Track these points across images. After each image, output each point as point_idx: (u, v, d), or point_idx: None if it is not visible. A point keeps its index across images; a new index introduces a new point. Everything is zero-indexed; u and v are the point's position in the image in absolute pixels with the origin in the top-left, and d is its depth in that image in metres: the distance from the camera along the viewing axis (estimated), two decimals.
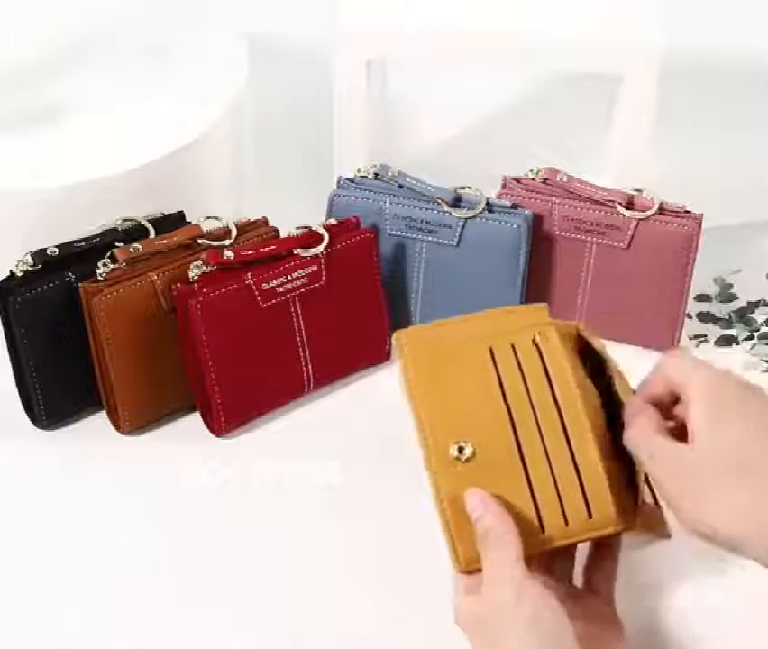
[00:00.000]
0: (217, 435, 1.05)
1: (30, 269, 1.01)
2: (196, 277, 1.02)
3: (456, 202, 1.11)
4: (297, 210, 1.12)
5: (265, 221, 1.10)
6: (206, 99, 1.20)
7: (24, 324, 1.01)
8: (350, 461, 1.01)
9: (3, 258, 1.01)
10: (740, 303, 1.22)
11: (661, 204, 1.10)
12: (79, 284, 1.01)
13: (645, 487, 0.83)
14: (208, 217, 1.08)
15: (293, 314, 1.06)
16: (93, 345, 1.03)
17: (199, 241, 1.06)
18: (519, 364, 0.82)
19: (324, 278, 1.06)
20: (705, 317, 1.20)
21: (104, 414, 1.06)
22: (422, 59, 1.33)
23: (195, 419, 1.06)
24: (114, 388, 1.03)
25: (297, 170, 1.38)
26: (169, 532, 0.97)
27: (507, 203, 1.11)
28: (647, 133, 1.21)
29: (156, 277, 1.02)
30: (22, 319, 1.01)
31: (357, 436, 1.04)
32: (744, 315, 1.21)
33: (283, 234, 1.08)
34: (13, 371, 1.04)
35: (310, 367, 1.08)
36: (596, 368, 0.86)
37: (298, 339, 1.06)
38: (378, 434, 1.02)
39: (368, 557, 0.94)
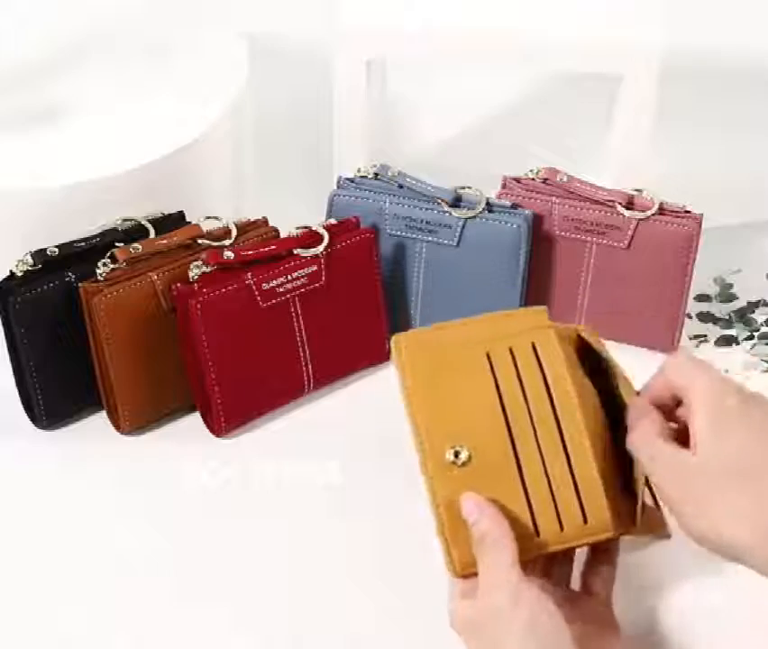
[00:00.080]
0: (217, 435, 1.05)
1: (30, 269, 1.01)
2: (196, 277, 1.02)
3: (456, 202, 1.11)
4: (297, 210, 1.12)
5: (265, 221, 1.11)
6: (206, 99, 1.20)
7: (24, 324, 1.01)
8: (350, 461, 1.01)
9: (3, 258, 1.01)
10: (740, 303, 1.22)
11: (661, 204, 1.10)
12: (79, 284, 1.01)
13: (645, 488, 0.83)
14: (208, 217, 1.08)
15: (293, 314, 1.06)
16: (93, 345, 1.03)
17: (199, 241, 1.06)
18: (517, 369, 0.82)
19: (324, 278, 1.06)
20: (705, 317, 1.21)
21: (104, 414, 1.06)
22: (422, 59, 1.33)
23: (195, 419, 1.06)
24: (114, 388, 1.03)
25: (297, 170, 1.38)
26: (169, 532, 0.97)
27: (507, 203, 1.11)
28: (647, 133, 1.21)
29: (156, 277, 1.02)
30: (22, 319, 1.01)
31: (357, 436, 1.04)
32: (744, 315, 1.21)
33: (283, 234, 1.08)
34: (13, 371, 1.04)
35: (310, 367, 1.08)
36: (595, 367, 0.86)
37: (298, 339, 1.06)
38: (378, 434, 1.02)
39: (367, 557, 0.94)
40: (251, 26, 1.35)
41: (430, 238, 1.12)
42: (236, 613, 0.90)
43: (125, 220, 1.07)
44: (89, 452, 1.04)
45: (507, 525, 0.78)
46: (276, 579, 0.93)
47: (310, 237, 1.06)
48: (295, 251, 1.05)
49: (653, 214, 1.10)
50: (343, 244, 1.07)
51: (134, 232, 1.06)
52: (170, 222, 1.09)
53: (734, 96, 1.48)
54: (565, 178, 1.12)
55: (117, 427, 1.05)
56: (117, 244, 1.03)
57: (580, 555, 0.85)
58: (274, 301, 1.04)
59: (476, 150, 1.45)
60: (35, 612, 0.90)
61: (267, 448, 1.05)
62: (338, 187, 1.14)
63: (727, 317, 1.21)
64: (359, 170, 1.14)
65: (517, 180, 1.14)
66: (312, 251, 1.05)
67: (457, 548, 0.79)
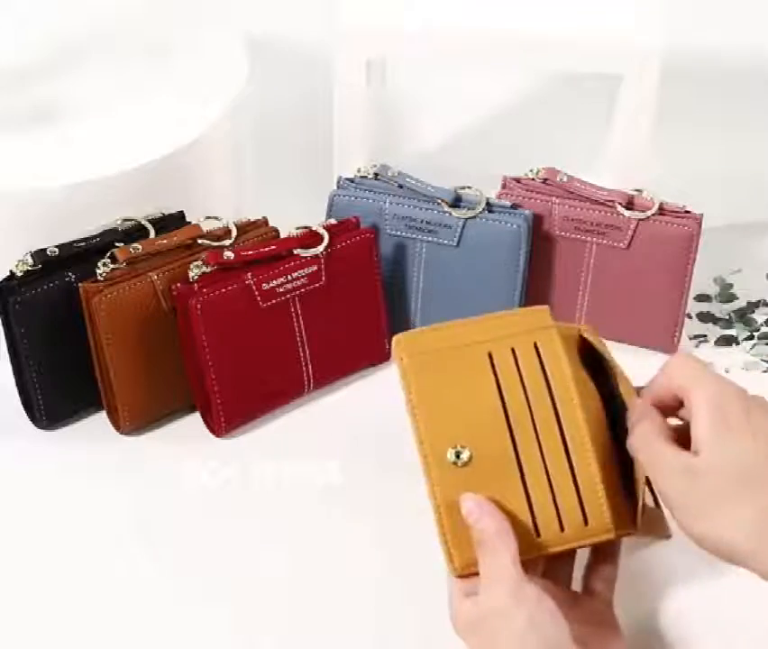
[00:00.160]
0: (217, 435, 1.05)
1: (30, 269, 1.01)
2: (196, 277, 1.02)
3: (456, 202, 1.11)
4: (297, 210, 1.12)
5: (265, 221, 1.10)
6: (206, 99, 1.20)
7: (24, 324, 1.01)
8: (350, 461, 1.01)
9: (3, 258, 1.01)
10: (740, 303, 1.22)
11: (661, 204, 1.10)
12: (79, 284, 1.01)
13: (646, 488, 0.83)
14: (208, 217, 1.08)
15: (293, 314, 1.06)
16: (93, 345, 1.02)
17: (199, 241, 1.06)
18: (519, 369, 0.82)
19: (324, 279, 1.06)
20: (705, 317, 1.20)
21: (104, 414, 1.06)
22: (422, 59, 1.33)
23: (195, 419, 1.06)
24: (114, 388, 1.03)
25: (297, 170, 1.38)
26: (169, 532, 0.97)
27: (507, 203, 1.11)
28: (647, 133, 1.21)
29: (156, 277, 1.02)
30: (22, 319, 1.01)
31: (357, 436, 1.04)
32: (744, 315, 1.21)
33: (283, 234, 1.08)
34: (13, 371, 1.04)
35: (310, 367, 1.08)
36: (597, 368, 0.86)
37: (298, 339, 1.06)
38: (378, 434, 1.02)
39: (367, 557, 0.94)
40: (251, 26, 1.35)
41: (430, 238, 1.12)
42: (236, 613, 0.90)
43: (125, 220, 1.07)
44: (89, 452, 1.04)
45: (507, 525, 0.78)
46: (276, 579, 0.93)
47: (310, 237, 1.06)
48: (295, 251, 1.05)
49: (653, 214, 1.10)
50: (343, 244, 1.07)
51: (134, 232, 1.06)
52: (170, 222, 1.09)
53: (734, 96, 1.48)
54: (565, 178, 1.12)
55: (117, 427, 1.05)
56: (117, 244, 1.03)
57: (582, 556, 0.85)
58: (274, 301, 1.04)
59: (476, 150, 1.45)
60: (35, 612, 0.90)
61: (267, 448, 1.05)
62: (338, 187, 1.14)
63: (727, 317, 1.21)
64: (359, 170, 1.14)
65: (517, 180, 1.14)
66: (312, 251, 1.05)
67: (458, 548, 0.79)
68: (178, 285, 1.02)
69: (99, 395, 1.05)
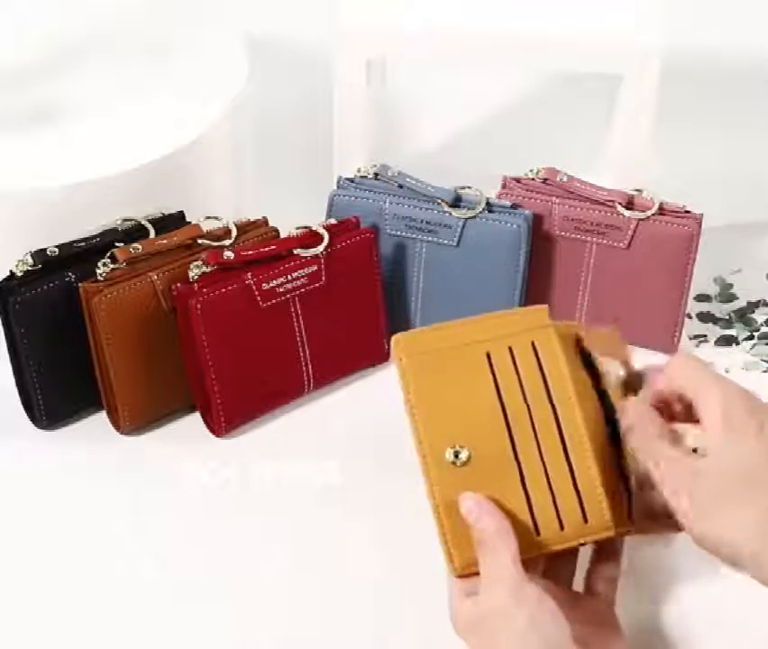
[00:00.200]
0: (217, 435, 1.05)
1: (30, 269, 1.01)
2: (196, 277, 1.02)
3: (456, 202, 1.11)
4: (297, 210, 1.12)
5: (265, 221, 1.10)
6: (206, 99, 1.20)
7: (24, 324, 1.01)
8: (350, 461, 1.02)
9: (3, 258, 1.01)
10: (740, 303, 1.22)
11: (661, 204, 1.10)
12: (79, 284, 1.01)
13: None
14: (208, 217, 1.08)
15: (293, 314, 1.06)
16: (93, 345, 1.02)
17: (199, 241, 1.06)
18: (516, 368, 0.82)
19: (324, 278, 1.06)
20: (705, 317, 1.20)
21: (104, 414, 1.06)
22: (422, 59, 1.33)
23: (195, 419, 1.06)
24: (114, 387, 1.03)
25: (297, 170, 1.38)
26: (169, 532, 0.97)
27: (507, 203, 1.11)
28: (647, 133, 1.21)
29: (156, 277, 1.02)
30: (22, 319, 1.01)
31: (357, 436, 1.04)
32: (744, 315, 1.21)
33: (283, 234, 1.08)
34: (13, 371, 1.04)
35: (310, 367, 1.08)
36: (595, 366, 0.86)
37: (298, 339, 1.06)
38: (378, 434, 1.02)
39: (367, 557, 0.94)
40: (251, 26, 1.35)
41: (430, 238, 1.12)
42: (236, 613, 0.90)
43: (125, 220, 1.07)
44: (89, 452, 1.04)
45: (507, 524, 0.78)
46: (276, 578, 0.93)
47: (310, 237, 1.06)
48: (295, 251, 1.05)
49: (653, 214, 1.10)
50: (343, 244, 1.07)
51: (134, 232, 1.06)
52: (170, 222, 1.09)
53: (734, 96, 1.48)
54: (565, 178, 1.12)
55: (117, 427, 1.05)
56: (117, 244, 1.03)
57: (584, 556, 0.84)
58: (274, 301, 1.04)
59: (476, 150, 1.45)
60: (35, 612, 0.90)
61: (267, 448, 1.05)
62: (338, 187, 1.14)
63: (727, 317, 1.21)
64: (359, 170, 1.14)
65: (517, 180, 1.14)
66: (312, 251, 1.05)
67: (457, 548, 0.79)
68: (178, 285, 1.02)
69: (99, 395, 1.05)
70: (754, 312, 1.21)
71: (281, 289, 1.04)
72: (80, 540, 0.96)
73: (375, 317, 1.11)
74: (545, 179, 1.13)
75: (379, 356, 1.12)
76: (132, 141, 1.14)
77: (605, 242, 1.11)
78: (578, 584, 0.85)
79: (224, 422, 1.04)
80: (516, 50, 1.20)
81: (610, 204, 1.10)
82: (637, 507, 0.81)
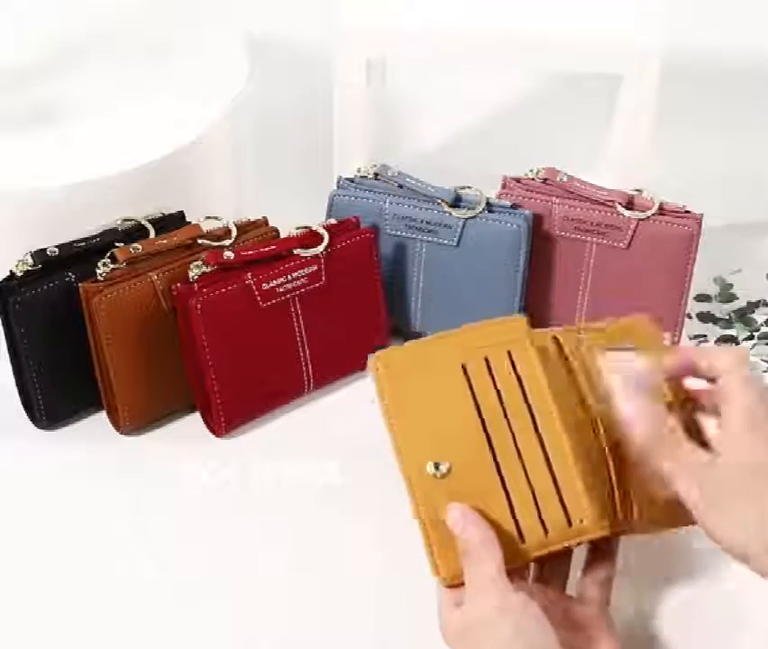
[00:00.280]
0: (217, 435, 1.05)
1: (30, 269, 1.01)
2: (196, 277, 1.02)
3: (456, 202, 1.11)
4: (297, 210, 1.12)
5: (265, 221, 1.11)
6: (206, 99, 1.20)
7: (24, 324, 1.01)
8: (350, 461, 1.02)
9: (3, 258, 1.01)
10: (740, 303, 1.22)
11: (661, 204, 1.10)
12: (79, 284, 1.01)
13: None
14: (208, 217, 1.08)
15: (293, 314, 1.06)
16: (93, 345, 1.02)
17: (199, 241, 1.06)
18: (493, 378, 0.83)
19: (324, 278, 1.06)
20: (705, 317, 1.21)
21: (104, 414, 1.06)
22: (422, 59, 1.33)
23: (195, 419, 1.06)
24: (114, 387, 1.03)
25: (297, 170, 1.38)
26: (168, 532, 0.97)
27: (507, 203, 1.11)
28: (647, 133, 1.21)
29: (156, 277, 1.02)
30: (22, 319, 1.01)
31: (357, 436, 1.04)
32: (744, 315, 1.21)
33: (283, 234, 1.08)
34: (13, 371, 1.04)
35: (310, 367, 1.08)
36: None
37: (298, 339, 1.06)
38: (377, 434, 1.02)
39: (367, 557, 0.94)
40: (251, 26, 1.35)
41: (430, 238, 1.12)
42: (236, 613, 0.90)
43: (125, 220, 1.07)
44: (89, 452, 1.04)
45: (491, 534, 0.78)
46: (276, 578, 0.93)
47: (310, 237, 1.06)
48: (295, 251, 1.05)
49: (653, 214, 1.10)
50: (343, 244, 1.07)
51: (134, 232, 1.06)
52: (170, 222, 1.09)
53: (734, 96, 1.48)
54: (565, 178, 1.12)
55: (117, 427, 1.05)
56: (117, 244, 1.03)
57: (580, 558, 0.85)
58: (274, 301, 1.04)
59: (476, 150, 1.45)
60: (35, 611, 0.90)
61: (267, 448, 1.05)
62: (338, 187, 1.14)
63: (727, 317, 1.21)
64: (359, 170, 1.14)
65: (517, 180, 1.14)
66: (312, 251, 1.06)
67: (443, 559, 0.79)
68: (178, 285, 1.02)
69: (99, 395, 1.05)
70: (754, 312, 1.21)
71: (281, 289, 1.04)
72: (80, 540, 0.96)
73: (375, 317, 1.11)
74: (545, 179, 1.13)
75: None
76: (132, 141, 1.14)
77: (605, 242, 1.11)
78: (573, 587, 0.85)
79: (223, 422, 1.04)
80: (516, 50, 1.20)
81: (610, 204, 1.10)
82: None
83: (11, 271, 1.01)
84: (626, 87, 1.19)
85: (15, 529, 0.98)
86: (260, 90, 1.29)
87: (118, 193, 1.09)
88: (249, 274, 1.03)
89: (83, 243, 1.04)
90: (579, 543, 0.81)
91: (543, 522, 0.80)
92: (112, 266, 1.01)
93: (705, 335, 1.18)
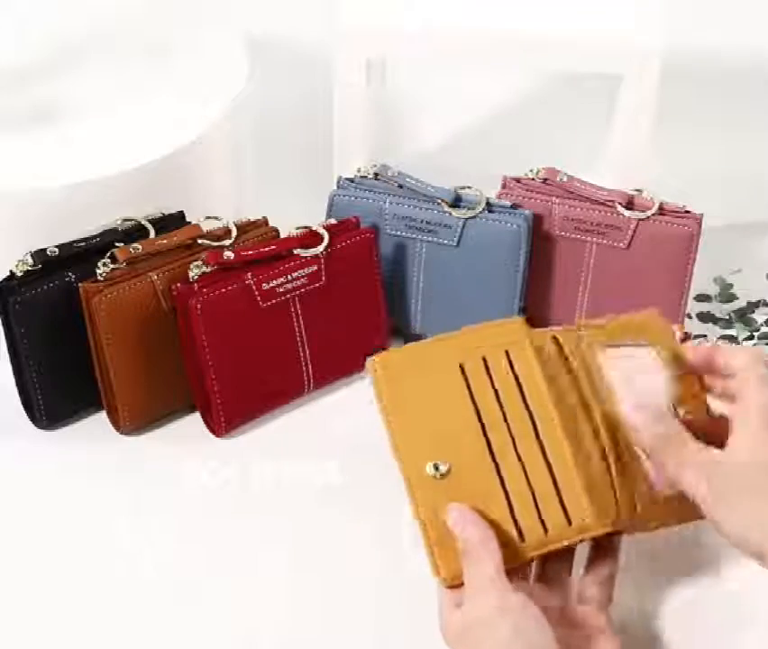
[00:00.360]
0: (217, 435, 1.05)
1: (30, 269, 1.01)
2: (196, 277, 1.02)
3: (456, 202, 1.11)
4: (297, 210, 1.12)
5: (265, 221, 1.11)
6: (206, 99, 1.20)
7: (24, 324, 1.01)
8: (350, 461, 1.01)
9: (3, 258, 1.01)
10: (740, 303, 1.22)
11: (661, 204, 1.10)
12: (79, 284, 1.01)
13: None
14: (208, 217, 1.08)
15: (293, 314, 1.06)
16: (93, 345, 1.02)
17: (199, 241, 1.06)
18: (491, 378, 0.83)
19: (324, 278, 1.06)
20: (705, 317, 1.20)
21: (104, 414, 1.06)
22: (422, 59, 1.33)
23: (195, 419, 1.06)
24: (114, 387, 1.03)
25: (297, 170, 1.38)
26: (168, 532, 0.97)
27: (507, 203, 1.11)
28: (647, 133, 1.21)
29: (156, 277, 1.02)
30: (22, 319, 1.01)
31: (357, 436, 1.04)
32: (744, 315, 1.21)
33: (283, 234, 1.08)
34: (13, 371, 1.04)
35: (310, 367, 1.08)
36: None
37: (298, 339, 1.06)
38: (378, 433, 1.02)
39: (367, 557, 0.94)
40: (251, 26, 1.35)
41: (430, 238, 1.12)
42: (236, 613, 0.90)
43: (125, 220, 1.07)
44: (89, 452, 1.04)
45: (491, 534, 0.78)
46: (275, 578, 0.93)
47: (310, 237, 1.06)
48: (295, 251, 1.05)
49: (653, 214, 1.10)
50: (343, 244, 1.07)
51: (134, 232, 1.06)
52: (170, 222, 1.09)
53: (734, 96, 1.48)
54: (565, 178, 1.12)
55: (117, 427, 1.05)
56: (117, 244, 1.03)
57: (582, 557, 0.85)
58: (274, 301, 1.04)
59: (476, 150, 1.45)
60: (35, 611, 0.90)
61: (267, 448, 1.05)
62: (338, 187, 1.14)
63: (727, 317, 1.21)
64: (359, 170, 1.14)
65: (517, 180, 1.14)
66: (312, 251, 1.06)
67: (444, 560, 0.79)
68: (178, 285, 1.02)
69: (99, 395, 1.05)
70: (754, 312, 1.21)
71: (281, 289, 1.04)
72: (80, 540, 0.96)
73: (375, 317, 1.11)
74: (545, 179, 1.13)
75: None
76: (132, 141, 1.14)
77: (605, 242, 1.11)
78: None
79: (223, 422, 1.04)
80: (516, 50, 1.20)
81: (610, 204, 1.10)
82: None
83: (11, 271, 1.01)
84: (626, 87, 1.19)
85: (15, 529, 0.98)
86: (260, 90, 1.29)
87: (118, 193, 1.09)
88: (249, 274, 1.03)
89: (83, 243, 1.04)
90: (580, 541, 0.81)
91: (542, 521, 0.80)
92: (112, 266, 1.01)
93: (705, 335, 1.18)
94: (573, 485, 0.80)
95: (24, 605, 0.91)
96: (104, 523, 0.97)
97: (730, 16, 1.50)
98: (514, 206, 1.11)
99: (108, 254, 1.02)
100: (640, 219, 1.10)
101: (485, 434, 0.82)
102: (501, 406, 0.82)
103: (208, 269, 1.02)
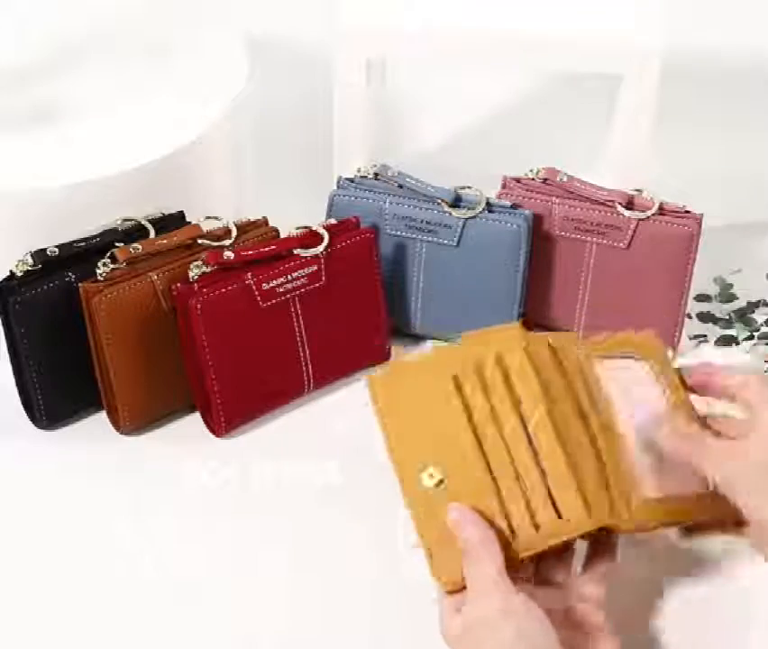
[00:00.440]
0: (217, 435, 1.05)
1: (30, 269, 1.01)
2: (196, 277, 1.02)
3: (456, 202, 1.11)
4: (297, 210, 1.12)
5: (265, 221, 1.11)
6: (206, 99, 1.20)
7: (24, 324, 1.01)
8: (350, 461, 1.02)
9: (3, 258, 1.02)
10: (740, 303, 1.22)
11: (661, 204, 1.10)
12: (79, 284, 1.01)
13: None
14: (208, 217, 1.08)
15: (293, 314, 1.06)
16: (93, 345, 1.02)
17: (199, 241, 1.06)
18: (484, 385, 0.84)
19: (324, 278, 1.06)
20: (705, 317, 1.20)
21: (104, 414, 1.06)
22: (422, 59, 1.33)
23: (195, 419, 1.06)
24: (114, 387, 1.03)
25: (297, 170, 1.38)
26: (168, 532, 0.97)
27: (507, 203, 1.11)
28: (647, 133, 1.21)
29: (156, 277, 1.02)
30: (22, 319, 1.01)
31: (357, 436, 1.04)
32: (744, 315, 1.21)
33: (283, 234, 1.08)
34: (13, 371, 1.04)
35: (310, 367, 1.08)
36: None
37: (298, 339, 1.06)
38: (377, 433, 1.02)
39: (367, 557, 0.94)
40: (251, 26, 1.35)
41: (430, 238, 1.12)
42: (236, 612, 0.90)
43: (125, 220, 1.07)
44: (89, 452, 1.04)
45: (492, 534, 0.79)
46: (275, 578, 0.93)
47: (310, 237, 1.06)
48: (295, 251, 1.05)
49: (653, 214, 1.10)
50: (343, 244, 1.07)
51: (134, 232, 1.06)
52: (170, 222, 1.09)
53: (734, 96, 1.49)
54: (565, 178, 1.12)
55: (117, 427, 1.05)
56: (117, 244, 1.03)
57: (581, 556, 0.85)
58: (274, 301, 1.04)
59: (476, 150, 1.45)
60: (35, 611, 0.90)
61: (267, 448, 1.05)
62: (338, 187, 1.14)
63: (727, 317, 1.21)
64: (359, 170, 1.14)
65: (517, 180, 1.14)
66: (312, 251, 1.06)
67: (443, 565, 0.80)
68: (178, 285, 1.02)
69: (99, 395, 1.05)
70: (754, 312, 1.21)
71: (281, 289, 1.04)
72: (80, 540, 0.96)
73: (375, 317, 1.11)
74: (545, 179, 1.13)
75: (379, 356, 1.12)
76: (132, 141, 1.14)
77: (605, 242, 1.11)
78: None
79: (223, 422, 1.04)
80: (516, 50, 1.20)
81: (610, 204, 1.10)
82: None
83: (11, 271, 1.01)
84: (626, 87, 1.19)
85: (15, 529, 0.98)
86: (260, 90, 1.29)
87: (118, 193, 1.09)
88: (249, 274, 1.03)
89: (83, 243, 1.04)
90: (573, 539, 0.82)
91: (534, 521, 0.80)
92: (112, 266, 1.01)
93: (705, 335, 1.18)
94: (565, 484, 0.81)
95: (24, 605, 0.91)
96: (104, 523, 0.97)
97: (730, 16, 1.50)
98: (514, 206, 1.11)
99: (108, 254, 1.02)
100: (640, 219, 1.10)
101: (480, 446, 0.82)
102: (495, 417, 0.83)
103: (208, 269, 1.02)
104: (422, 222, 1.11)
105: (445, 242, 1.11)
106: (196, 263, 1.02)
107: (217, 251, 1.03)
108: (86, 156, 1.12)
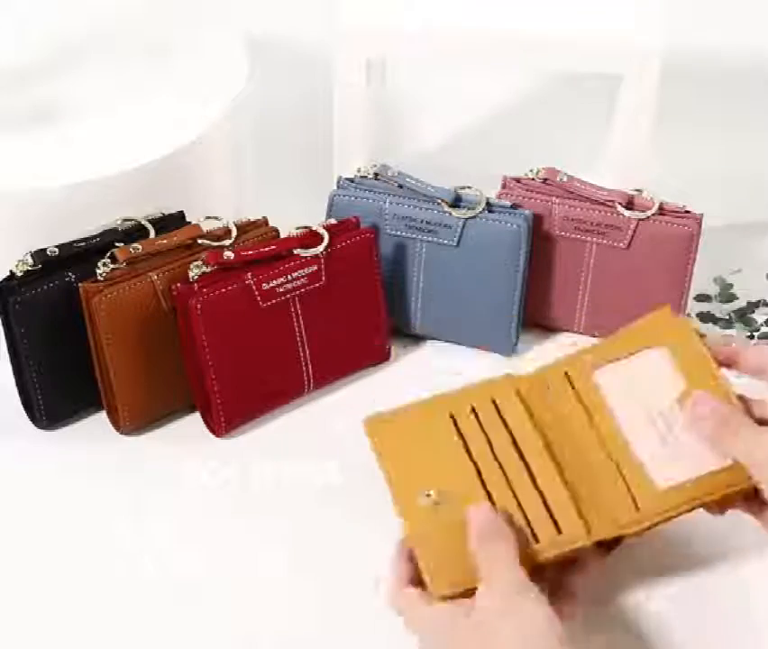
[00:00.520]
0: (217, 435, 1.05)
1: (30, 269, 1.01)
2: (196, 277, 1.02)
3: (456, 202, 1.11)
4: (297, 210, 1.12)
5: (265, 221, 1.11)
6: (206, 99, 1.20)
7: (24, 324, 1.01)
8: (350, 461, 1.01)
9: (3, 258, 1.02)
10: (740, 303, 1.22)
11: (661, 204, 1.10)
12: (79, 284, 1.01)
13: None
14: (208, 217, 1.08)
15: (293, 314, 1.06)
16: (93, 345, 1.03)
17: (199, 241, 1.06)
18: (480, 424, 0.86)
19: (324, 278, 1.06)
20: (705, 317, 1.20)
21: (104, 414, 1.06)
22: (422, 59, 1.33)
23: (195, 419, 1.06)
24: (114, 387, 1.03)
25: (297, 170, 1.38)
26: (168, 532, 0.97)
27: (507, 203, 1.11)
28: (647, 133, 1.21)
29: (156, 277, 1.02)
30: (22, 319, 1.01)
31: (357, 436, 1.04)
32: (744, 315, 1.21)
33: (283, 234, 1.08)
34: (13, 371, 1.04)
35: (310, 367, 1.08)
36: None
37: (298, 339, 1.06)
38: None
39: (367, 557, 0.94)
40: (251, 26, 1.35)
41: (430, 238, 1.12)
42: (236, 612, 0.90)
43: (125, 220, 1.07)
44: (89, 452, 1.04)
45: (509, 532, 0.80)
46: (275, 578, 0.93)
47: (310, 237, 1.06)
48: (295, 251, 1.05)
49: (653, 214, 1.10)
50: (343, 244, 1.07)
51: (134, 232, 1.06)
52: (170, 222, 1.09)
53: (734, 96, 1.49)
54: (565, 178, 1.12)
55: (117, 427, 1.05)
56: (117, 244, 1.03)
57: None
58: (274, 301, 1.04)
59: (476, 150, 1.45)
60: (35, 611, 0.90)
61: (267, 448, 1.05)
62: (338, 187, 1.14)
63: (727, 317, 1.21)
64: (359, 170, 1.14)
65: (517, 180, 1.14)
66: (312, 251, 1.06)
67: (438, 574, 0.80)
68: (178, 285, 1.02)
69: (99, 395, 1.05)
70: (754, 312, 1.21)
71: (281, 289, 1.04)
72: (80, 540, 0.96)
73: (375, 317, 1.11)
74: (545, 179, 1.13)
75: (379, 356, 1.13)
76: (132, 141, 1.14)
77: (605, 242, 1.11)
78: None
79: (223, 422, 1.04)
80: (516, 50, 1.20)
81: (610, 204, 1.10)
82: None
83: (11, 271, 1.01)
84: (626, 87, 1.19)
85: (15, 529, 0.98)
86: (260, 90, 1.29)
87: (118, 193, 1.09)
88: (249, 274, 1.03)
89: (83, 243, 1.04)
90: (576, 548, 0.82)
91: (534, 534, 0.82)
92: (112, 266, 1.01)
93: (705, 335, 1.18)
94: (563, 501, 0.82)
95: (25, 605, 0.91)
96: (104, 523, 0.97)
97: (730, 16, 1.50)
98: (514, 206, 1.11)
99: (108, 254, 1.02)
100: (640, 219, 1.10)
101: (480, 476, 0.84)
102: (493, 451, 0.85)
103: (208, 269, 1.02)
104: (422, 222, 1.11)
105: (445, 242, 1.11)
106: (196, 263, 1.02)
107: (217, 251, 1.03)
108: (86, 156, 1.12)
